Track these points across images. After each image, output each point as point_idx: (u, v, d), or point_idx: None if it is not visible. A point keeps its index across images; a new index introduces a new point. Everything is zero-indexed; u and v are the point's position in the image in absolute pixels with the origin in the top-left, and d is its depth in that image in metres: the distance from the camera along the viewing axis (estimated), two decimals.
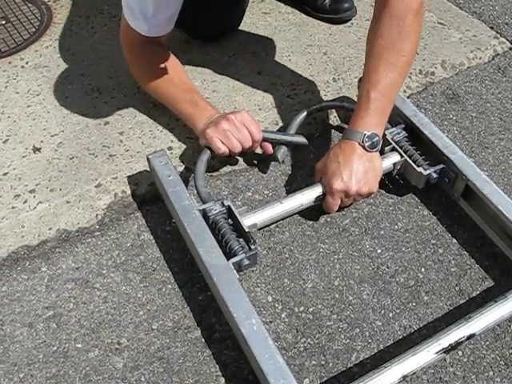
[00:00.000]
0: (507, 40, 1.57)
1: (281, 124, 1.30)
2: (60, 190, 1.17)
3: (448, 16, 1.64)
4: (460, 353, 0.97)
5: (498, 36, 1.58)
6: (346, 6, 1.58)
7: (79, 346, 0.97)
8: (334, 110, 1.34)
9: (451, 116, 1.37)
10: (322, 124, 1.32)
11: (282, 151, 1.18)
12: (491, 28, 1.61)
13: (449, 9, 1.67)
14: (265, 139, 1.17)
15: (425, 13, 1.64)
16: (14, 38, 1.53)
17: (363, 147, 1.08)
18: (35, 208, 1.14)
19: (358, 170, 1.07)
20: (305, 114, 1.24)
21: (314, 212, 1.16)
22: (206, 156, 1.12)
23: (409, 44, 1.08)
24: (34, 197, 1.16)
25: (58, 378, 0.93)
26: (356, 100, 1.14)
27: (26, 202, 1.15)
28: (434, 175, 1.12)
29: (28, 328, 0.99)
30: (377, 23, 1.08)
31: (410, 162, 1.14)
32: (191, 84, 1.25)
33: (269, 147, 1.18)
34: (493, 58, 1.53)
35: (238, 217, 1.02)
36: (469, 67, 1.49)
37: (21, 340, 0.97)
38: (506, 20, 1.64)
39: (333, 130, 1.32)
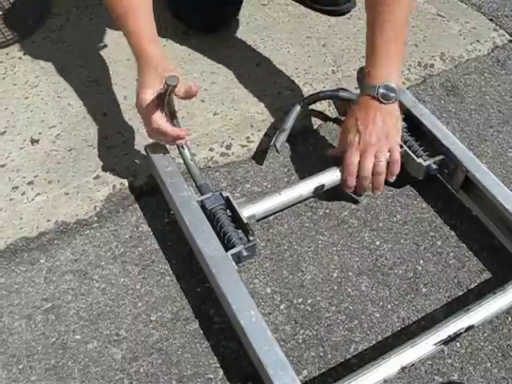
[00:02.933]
0: (507, 32, 1.57)
1: (279, 116, 1.30)
2: (58, 181, 1.17)
3: (447, 8, 1.63)
4: (458, 344, 0.97)
5: (498, 28, 1.58)
6: None
7: (78, 337, 0.97)
8: (331, 102, 1.33)
9: (450, 108, 1.36)
10: (319, 116, 1.32)
11: (281, 140, 1.17)
12: (491, 20, 1.60)
13: (448, 1, 1.66)
14: None
15: (424, 4, 1.63)
16: (12, 29, 1.52)
17: (378, 100, 1.06)
18: (33, 200, 1.14)
19: (376, 122, 1.05)
20: (298, 108, 1.24)
21: (312, 204, 1.16)
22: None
23: None
24: (32, 189, 1.16)
25: (56, 370, 0.93)
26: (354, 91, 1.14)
27: (24, 193, 1.15)
28: (434, 166, 1.12)
29: (26, 320, 0.99)
30: None
31: (410, 152, 1.14)
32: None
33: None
34: (492, 51, 1.52)
35: (237, 208, 1.02)
36: (468, 59, 1.49)
37: (19, 332, 0.97)
38: (505, 12, 1.63)
39: (331, 123, 1.31)
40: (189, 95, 1.01)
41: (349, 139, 1.06)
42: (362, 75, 1.27)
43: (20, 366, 0.93)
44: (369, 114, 1.06)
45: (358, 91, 1.18)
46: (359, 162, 1.06)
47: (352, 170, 1.07)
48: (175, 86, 0.98)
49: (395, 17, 1.06)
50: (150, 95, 1.00)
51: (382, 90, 1.06)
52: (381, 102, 1.06)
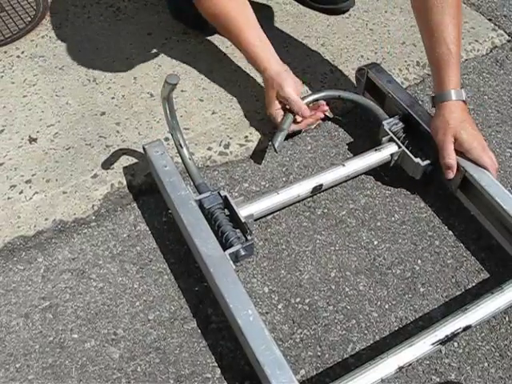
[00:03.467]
0: (505, 32, 1.57)
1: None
2: (56, 180, 1.17)
3: None
4: (455, 344, 0.97)
5: (497, 28, 1.58)
6: None
7: (75, 336, 0.97)
8: (331, 101, 1.33)
9: None
10: None
11: (279, 140, 1.17)
12: (489, 20, 1.60)
13: None
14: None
15: None
16: (10, 27, 1.52)
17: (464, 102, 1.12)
18: (31, 198, 1.14)
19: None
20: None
21: (311, 203, 1.16)
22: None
23: None
24: (30, 187, 1.15)
25: (54, 369, 0.93)
26: (350, 92, 1.13)
27: (21, 192, 1.15)
28: (432, 166, 1.12)
29: (24, 318, 0.99)
30: None
31: (408, 152, 1.14)
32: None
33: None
34: (491, 51, 1.52)
35: (235, 207, 1.02)
36: (467, 59, 1.49)
37: (17, 330, 0.97)
38: (504, 12, 1.64)
39: (329, 122, 1.32)
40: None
41: (482, 142, 1.10)
42: (361, 75, 1.28)
43: (17, 365, 0.93)
44: (471, 120, 1.12)
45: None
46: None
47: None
48: (175, 84, 0.99)
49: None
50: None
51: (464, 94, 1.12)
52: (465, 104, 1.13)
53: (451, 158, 1.08)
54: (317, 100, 1.27)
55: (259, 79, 1.38)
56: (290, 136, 1.24)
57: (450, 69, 1.11)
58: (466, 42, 1.52)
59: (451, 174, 1.09)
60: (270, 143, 1.18)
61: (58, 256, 1.07)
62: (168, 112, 1.07)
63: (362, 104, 1.25)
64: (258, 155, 1.24)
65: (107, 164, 1.20)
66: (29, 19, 1.54)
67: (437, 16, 1.11)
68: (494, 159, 1.09)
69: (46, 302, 1.01)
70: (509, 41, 1.55)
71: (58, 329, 0.98)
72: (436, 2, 1.11)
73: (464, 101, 1.12)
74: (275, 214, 1.14)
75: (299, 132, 1.26)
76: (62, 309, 1.00)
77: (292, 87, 1.19)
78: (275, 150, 1.16)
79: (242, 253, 0.98)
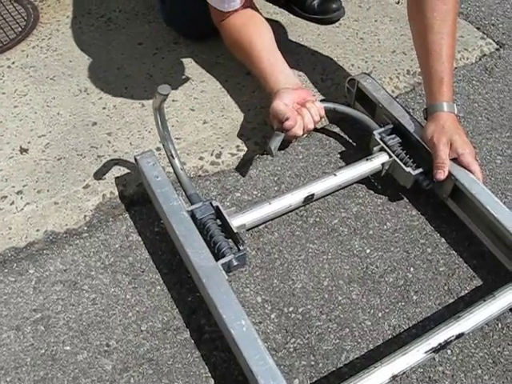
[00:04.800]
0: (493, 41, 1.59)
1: (269, 124, 1.30)
2: (48, 191, 1.16)
3: None
4: (449, 351, 0.97)
5: (485, 37, 1.59)
6: (334, 7, 1.58)
7: (67, 348, 0.96)
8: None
9: None
10: None
11: (275, 144, 1.15)
12: (478, 29, 1.62)
13: None
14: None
15: None
16: (0, 38, 1.51)
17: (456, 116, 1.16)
18: (22, 209, 1.13)
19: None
20: None
21: (303, 212, 1.16)
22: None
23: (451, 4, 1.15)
24: (21, 198, 1.15)
25: (46, 382, 0.92)
26: (342, 104, 1.14)
27: (13, 203, 1.14)
28: (423, 175, 1.13)
29: (15, 331, 0.98)
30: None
31: (399, 162, 1.14)
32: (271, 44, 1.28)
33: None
34: (480, 59, 1.54)
35: (227, 217, 1.02)
36: (456, 68, 1.50)
37: (8, 343, 0.96)
38: (492, 21, 1.65)
39: (320, 132, 1.32)
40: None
41: (471, 150, 1.11)
42: (352, 86, 1.28)
43: (8, 379, 0.92)
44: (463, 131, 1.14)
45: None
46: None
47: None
48: (167, 95, 0.99)
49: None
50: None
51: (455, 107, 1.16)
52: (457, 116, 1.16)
53: (445, 159, 1.09)
54: None
55: (250, 89, 1.39)
56: (281, 145, 1.24)
57: (443, 85, 1.14)
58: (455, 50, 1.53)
59: (442, 175, 1.09)
60: (267, 147, 1.16)
61: (49, 267, 1.06)
62: (159, 122, 1.08)
63: (353, 115, 1.26)
64: (249, 164, 1.24)
65: (99, 174, 1.19)
66: (19, 29, 1.54)
67: (434, 36, 1.14)
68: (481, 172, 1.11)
69: (37, 313, 1.00)
70: (497, 49, 1.57)
71: (49, 341, 0.97)
72: (434, 20, 1.14)
73: (456, 114, 1.14)
74: (267, 223, 1.14)
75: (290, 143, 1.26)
76: (53, 321, 1.00)
77: (281, 99, 1.16)
78: (271, 154, 1.15)
79: (235, 263, 0.98)
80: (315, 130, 1.30)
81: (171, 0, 1.46)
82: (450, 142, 1.10)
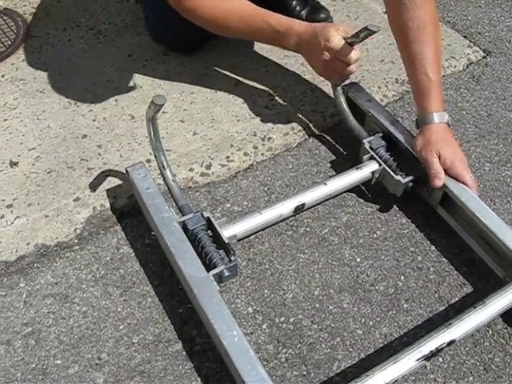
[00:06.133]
0: (480, 49, 1.60)
1: (259, 135, 1.31)
2: (38, 204, 1.16)
3: None
4: (440, 359, 0.97)
5: (472, 45, 1.61)
6: (322, 17, 1.59)
7: (59, 362, 0.96)
8: (311, 120, 1.35)
9: None
10: (299, 134, 1.33)
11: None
12: (465, 37, 1.64)
13: None
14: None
15: None
16: None
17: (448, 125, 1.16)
18: (13, 223, 1.13)
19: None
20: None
21: (293, 222, 1.16)
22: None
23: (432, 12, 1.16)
24: (12, 212, 1.15)
25: None
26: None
27: (3, 217, 1.14)
28: (412, 183, 1.13)
29: (6, 346, 0.97)
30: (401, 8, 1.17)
31: (389, 170, 1.15)
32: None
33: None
34: (467, 67, 1.55)
35: (218, 228, 1.02)
36: (444, 76, 1.51)
37: None
38: (478, 29, 1.67)
39: (311, 139, 1.33)
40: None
41: (465, 165, 1.12)
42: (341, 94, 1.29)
43: None
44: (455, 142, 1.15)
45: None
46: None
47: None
48: (162, 105, 0.99)
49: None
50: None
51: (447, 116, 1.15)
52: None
53: (438, 168, 1.10)
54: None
55: (240, 100, 1.39)
56: (272, 154, 1.25)
57: (431, 95, 1.14)
58: (442, 58, 1.54)
59: (439, 182, 1.09)
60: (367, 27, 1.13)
61: (40, 281, 1.06)
62: (152, 133, 1.08)
63: (345, 118, 1.27)
64: (239, 175, 1.24)
65: (89, 187, 1.19)
66: (9, 43, 1.54)
67: (416, 45, 1.15)
68: (473, 179, 1.11)
69: (28, 327, 1.00)
70: (484, 57, 1.58)
71: (40, 355, 0.97)
72: (414, 30, 1.15)
73: (447, 123, 1.14)
74: (258, 233, 1.14)
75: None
76: (44, 334, 0.99)
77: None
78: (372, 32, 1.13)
79: (226, 273, 0.98)
80: (305, 138, 1.31)
81: (155, 17, 1.46)
82: (439, 155, 1.10)
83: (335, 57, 1.17)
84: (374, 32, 1.11)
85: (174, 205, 1.09)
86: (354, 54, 1.16)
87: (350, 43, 1.16)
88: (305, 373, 0.96)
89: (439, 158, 1.10)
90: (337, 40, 1.15)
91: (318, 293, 1.06)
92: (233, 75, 1.47)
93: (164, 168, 1.10)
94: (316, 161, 1.28)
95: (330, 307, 1.04)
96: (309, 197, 1.13)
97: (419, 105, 1.17)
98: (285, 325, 1.01)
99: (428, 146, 1.11)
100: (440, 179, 1.09)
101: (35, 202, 1.17)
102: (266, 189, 1.22)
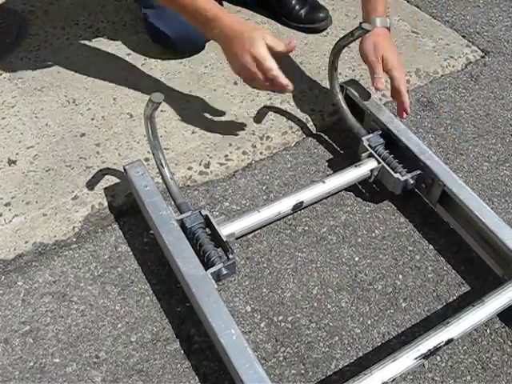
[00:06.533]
0: (479, 48, 1.60)
1: (257, 134, 1.30)
2: (36, 202, 1.16)
3: (421, 25, 1.66)
4: (438, 358, 0.97)
5: (470, 44, 1.61)
6: (321, 16, 1.59)
7: (57, 360, 0.96)
8: (310, 119, 1.34)
9: (426, 123, 1.38)
10: (297, 133, 1.33)
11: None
12: (463, 37, 1.64)
13: (422, 18, 1.69)
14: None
15: (399, 22, 1.66)
16: None
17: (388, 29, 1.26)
18: (11, 221, 1.13)
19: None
20: None
21: (291, 221, 1.16)
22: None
23: None
24: (10, 210, 1.15)
25: None
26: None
27: (1, 215, 1.14)
28: (411, 181, 1.13)
29: (3, 344, 0.97)
30: None
31: (387, 168, 1.15)
32: None
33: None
34: (465, 66, 1.55)
35: (216, 226, 1.02)
36: (442, 75, 1.51)
37: None
38: (477, 29, 1.67)
39: (310, 138, 1.33)
40: (290, 49, 1.15)
41: (399, 60, 1.21)
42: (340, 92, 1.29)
43: None
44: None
45: None
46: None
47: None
48: (160, 103, 0.99)
49: None
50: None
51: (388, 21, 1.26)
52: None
53: (381, 74, 1.19)
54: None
55: (238, 98, 1.39)
56: (270, 153, 1.24)
57: (376, 2, 1.23)
58: (441, 58, 1.55)
59: (382, 86, 1.18)
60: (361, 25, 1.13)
61: (38, 279, 1.06)
62: (150, 131, 1.07)
63: (344, 116, 1.26)
64: (238, 174, 1.24)
65: (87, 185, 1.19)
66: (8, 41, 1.54)
67: None
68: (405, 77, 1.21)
69: (26, 326, 1.00)
70: (482, 56, 1.58)
71: (38, 353, 0.97)
72: None
73: (388, 28, 1.25)
74: (256, 232, 1.14)
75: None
76: (42, 333, 0.99)
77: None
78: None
79: (224, 272, 0.98)
80: (303, 137, 1.31)
81: (155, 21, 1.45)
82: (382, 58, 1.20)
83: (255, 65, 1.11)
84: (368, 31, 1.12)
85: (173, 203, 1.09)
86: (274, 69, 1.11)
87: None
88: (303, 371, 0.96)
89: (382, 61, 1.20)
90: (262, 49, 1.10)
91: (316, 292, 1.06)
92: (231, 74, 1.45)
93: (162, 166, 1.10)
94: (314, 160, 1.28)
95: (329, 306, 1.04)
96: (307, 195, 1.12)
97: (365, 11, 1.26)
98: (283, 323, 1.01)
99: (374, 51, 1.20)
100: (382, 83, 1.18)
101: (33, 201, 1.16)
102: (264, 188, 1.22)
